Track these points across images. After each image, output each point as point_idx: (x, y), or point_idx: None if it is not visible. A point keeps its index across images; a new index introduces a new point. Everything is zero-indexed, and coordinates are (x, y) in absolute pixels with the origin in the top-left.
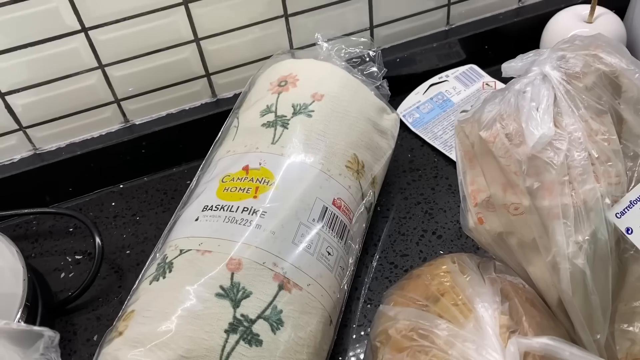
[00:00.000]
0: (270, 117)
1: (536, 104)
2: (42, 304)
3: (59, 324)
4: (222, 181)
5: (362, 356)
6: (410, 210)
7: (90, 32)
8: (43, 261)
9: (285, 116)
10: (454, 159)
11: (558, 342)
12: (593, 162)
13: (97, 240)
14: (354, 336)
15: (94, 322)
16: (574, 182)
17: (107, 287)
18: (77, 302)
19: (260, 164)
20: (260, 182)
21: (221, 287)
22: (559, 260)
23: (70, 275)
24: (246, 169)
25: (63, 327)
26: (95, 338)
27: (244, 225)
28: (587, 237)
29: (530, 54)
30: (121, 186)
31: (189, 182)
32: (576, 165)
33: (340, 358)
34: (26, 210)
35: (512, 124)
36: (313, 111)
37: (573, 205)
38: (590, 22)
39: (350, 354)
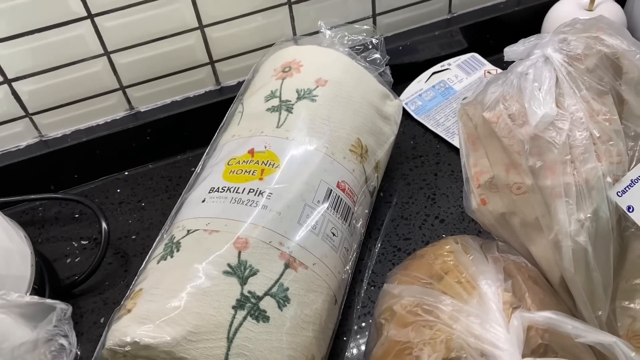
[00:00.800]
0: (275, 102)
1: (538, 85)
2: (49, 288)
3: None
4: (228, 164)
5: (364, 335)
6: (413, 196)
7: (96, 19)
8: (50, 246)
9: (290, 101)
10: (457, 145)
11: (561, 315)
12: (595, 141)
13: (104, 224)
14: (359, 317)
15: (100, 305)
16: (576, 161)
17: (113, 272)
18: (84, 286)
19: (265, 147)
20: (265, 165)
21: (229, 265)
22: (561, 238)
23: (76, 260)
24: (252, 152)
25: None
26: (102, 320)
27: (250, 206)
28: (589, 215)
29: (532, 38)
30: (126, 173)
31: (193, 169)
32: (578, 145)
33: (344, 338)
34: (33, 196)
35: (514, 104)
36: (317, 96)
37: (575, 184)
38: (591, 10)
39: (355, 334)
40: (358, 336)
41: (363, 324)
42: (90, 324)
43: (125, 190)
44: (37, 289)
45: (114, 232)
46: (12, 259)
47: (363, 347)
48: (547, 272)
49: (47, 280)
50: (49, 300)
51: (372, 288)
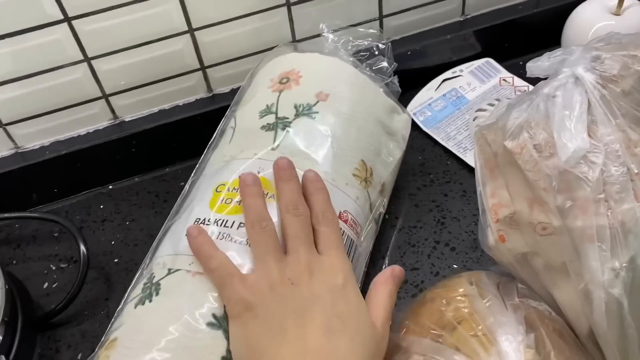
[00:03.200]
0: (271, 118)
1: (568, 112)
2: (22, 319)
3: (41, 340)
4: (217, 191)
5: None
6: (421, 219)
7: (73, 22)
8: (25, 268)
9: (287, 118)
10: (469, 162)
11: None
12: (632, 177)
13: (82, 248)
14: None
15: (78, 339)
16: (611, 201)
17: (93, 299)
18: (61, 316)
19: (258, 173)
20: None
21: (214, 316)
22: (592, 289)
23: (54, 285)
24: None
25: (45, 343)
26: (79, 357)
27: (239, 244)
28: (624, 264)
29: (559, 52)
30: (110, 187)
31: (183, 183)
32: (613, 182)
33: None
34: (5, 215)
35: (541, 133)
36: (317, 112)
37: (609, 227)
38: (618, 14)
39: None
40: None
41: None
42: (67, 359)
43: (108, 207)
44: (8, 321)
45: (95, 253)
46: None
47: None
48: (574, 322)
49: (19, 310)
50: None
51: None
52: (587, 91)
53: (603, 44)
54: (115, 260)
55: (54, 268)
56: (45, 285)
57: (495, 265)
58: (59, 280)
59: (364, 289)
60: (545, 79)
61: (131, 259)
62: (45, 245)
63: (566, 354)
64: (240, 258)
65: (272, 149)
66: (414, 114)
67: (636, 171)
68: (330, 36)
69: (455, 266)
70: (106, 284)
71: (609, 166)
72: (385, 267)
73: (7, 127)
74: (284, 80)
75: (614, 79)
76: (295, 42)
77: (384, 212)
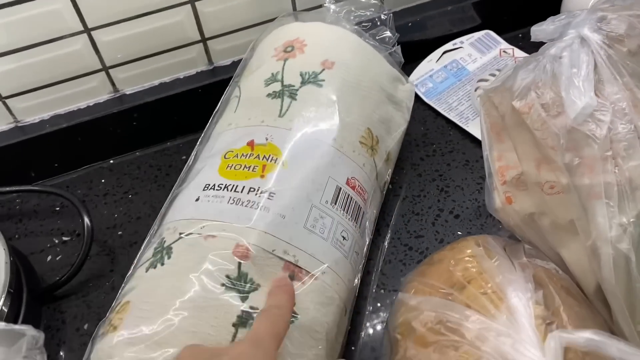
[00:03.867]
0: (277, 86)
1: (577, 71)
2: (27, 291)
3: (46, 312)
4: (225, 157)
5: (375, 345)
6: (424, 188)
7: None
8: (28, 243)
9: (293, 86)
10: (471, 132)
11: (604, 336)
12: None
13: (86, 220)
14: (367, 324)
15: (84, 310)
16: (618, 158)
17: (97, 271)
18: (66, 288)
19: (267, 139)
20: (267, 160)
21: (227, 277)
22: (600, 245)
23: (57, 258)
24: (251, 144)
25: (51, 315)
26: (85, 327)
27: (250, 207)
28: (632, 219)
29: (563, 16)
30: (111, 161)
31: (184, 157)
32: (620, 139)
33: (353, 347)
34: (8, 189)
35: (548, 92)
36: (323, 80)
37: (617, 184)
38: None
39: (364, 343)
40: (368, 346)
41: (371, 333)
42: (73, 331)
43: (110, 181)
44: (13, 293)
45: (98, 226)
46: None
47: (372, 358)
48: (581, 280)
49: (24, 282)
50: (17, 327)
51: (382, 291)
52: (594, 51)
53: (609, 5)
54: (119, 232)
55: (56, 242)
56: (49, 258)
57: (500, 231)
58: (62, 253)
59: (370, 257)
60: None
61: (135, 232)
62: (47, 219)
63: (575, 309)
64: (249, 222)
65: (280, 116)
66: (416, 85)
67: None
68: (332, 7)
69: (459, 233)
70: (110, 256)
71: (616, 124)
72: (389, 235)
73: (7, 100)
74: (289, 49)
75: (620, 39)
76: (297, 12)
77: (388, 181)
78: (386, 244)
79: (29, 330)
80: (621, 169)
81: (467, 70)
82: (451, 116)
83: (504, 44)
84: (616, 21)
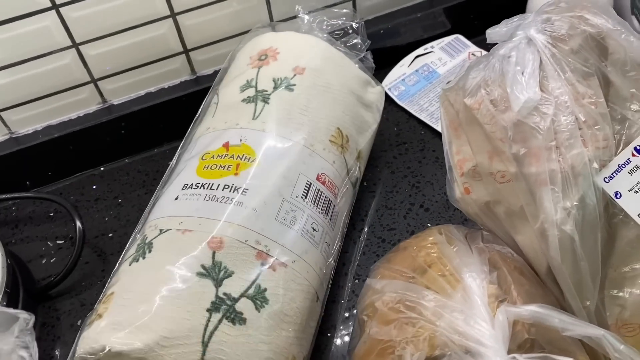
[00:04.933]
0: (251, 92)
1: (521, 69)
2: (23, 290)
3: (42, 310)
4: (202, 159)
5: (350, 330)
6: (397, 184)
7: (61, 9)
8: (24, 247)
9: (266, 91)
10: (441, 131)
11: (547, 309)
12: (580, 126)
13: (78, 224)
14: (343, 312)
15: (77, 307)
16: (561, 147)
17: (90, 272)
18: (60, 288)
19: (240, 140)
20: (241, 159)
21: (202, 267)
22: (547, 227)
23: (52, 261)
24: (226, 145)
25: (46, 312)
26: (79, 323)
27: (225, 203)
28: (575, 203)
29: (515, 19)
30: (102, 168)
31: (171, 162)
32: (563, 130)
33: (329, 334)
34: (4, 196)
35: (497, 89)
36: (295, 85)
37: (560, 171)
38: None
39: (340, 329)
40: (343, 331)
41: (348, 319)
42: (67, 326)
43: (101, 186)
44: (10, 292)
45: (90, 230)
46: None
47: (347, 342)
48: (534, 262)
49: (20, 283)
50: (11, 310)
51: (357, 281)
52: (539, 50)
53: (553, 7)
54: (110, 235)
55: (51, 245)
56: (44, 261)
57: (467, 221)
58: (57, 255)
59: (343, 249)
60: None
61: (125, 233)
62: (42, 225)
63: (525, 288)
64: (223, 216)
65: (253, 119)
66: (389, 89)
67: (584, 119)
68: (306, 17)
69: (429, 225)
70: (101, 256)
71: (559, 116)
72: (364, 229)
73: (1, 113)
74: (263, 57)
75: (562, 38)
76: (274, 23)
77: (360, 177)
78: (362, 237)
79: (21, 313)
80: (564, 157)
81: (438, 73)
82: (422, 116)
83: (473, 47)
84: (559, 22)
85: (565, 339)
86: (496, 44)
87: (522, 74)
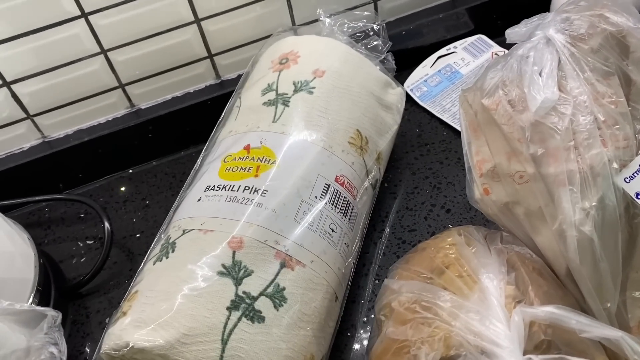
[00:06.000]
0: (272, 95)
1: (539, 69)
2: (54, 289)
3: (72, 308)
4: (224, 161)
5: (369, 330)
6: (418, 185)
7: (90, 17)
8: (56, 247)
9: (286, 94)
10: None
11: (564, 310)
12: (599, 126)
13: (107, 224)
14: (363, 312)
15: (106, 305)
16: (580, 147)
17: (118, 271)
18: (90, 286)
19: (261, 143)
20: (261, 161)
21: (223, 266)
22: (565, 228)
23: (82, 261)
24: (247, 148)
25: (76, 310)
26: (107, 320)
27: (245, 204)
28: (594, 204)
29: (535, 18)
30: (130, 171)
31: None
32: (582, 130)
33: (349, 333)
34: (36, 198)
35: (514, 90)
36: (314, 88)
37: (579, 171)
38: None
39: (360, 329)
40: (362, 331)
41: (366, 321)
42: (96, 324)
43: (129, 188)
44: (42, 290)
45: (118, 230)
46: (15, 261)
47: (366, 341)
48: (553, 263)
49: (52, 282)
50: (39, 308)
51: (377, 282)
52: (558, 50)
53: (573, 6)
54: (137, 235)
55: (81, 245)
56: (74, 260)
57: (489, 222)
58: (87, 255)
59: (364, 250)
60: None
61: (152, 234)
62: (72, 226)
63: (544, 289)
64: (243, 217)
65: (273, 122)
66: (411, 90)
67: (603, 119)
68: (327, 20)
69: (450, 226)
70: (129, 256)
71: (578, 116)
72: (385, 230)
73: (35, 118)
74: (284, 61)
75: (582, 38)
76: (295, 27)
77: (380, 178)
78: (383, 238)
79: (48, 311)
80: (583, 158)
81: (461, 73)
82: (444, 117)
83: (496, 47)
84: (578, 21)
85: (583, 341)
86: (516, 44)
87: (540, 74)
